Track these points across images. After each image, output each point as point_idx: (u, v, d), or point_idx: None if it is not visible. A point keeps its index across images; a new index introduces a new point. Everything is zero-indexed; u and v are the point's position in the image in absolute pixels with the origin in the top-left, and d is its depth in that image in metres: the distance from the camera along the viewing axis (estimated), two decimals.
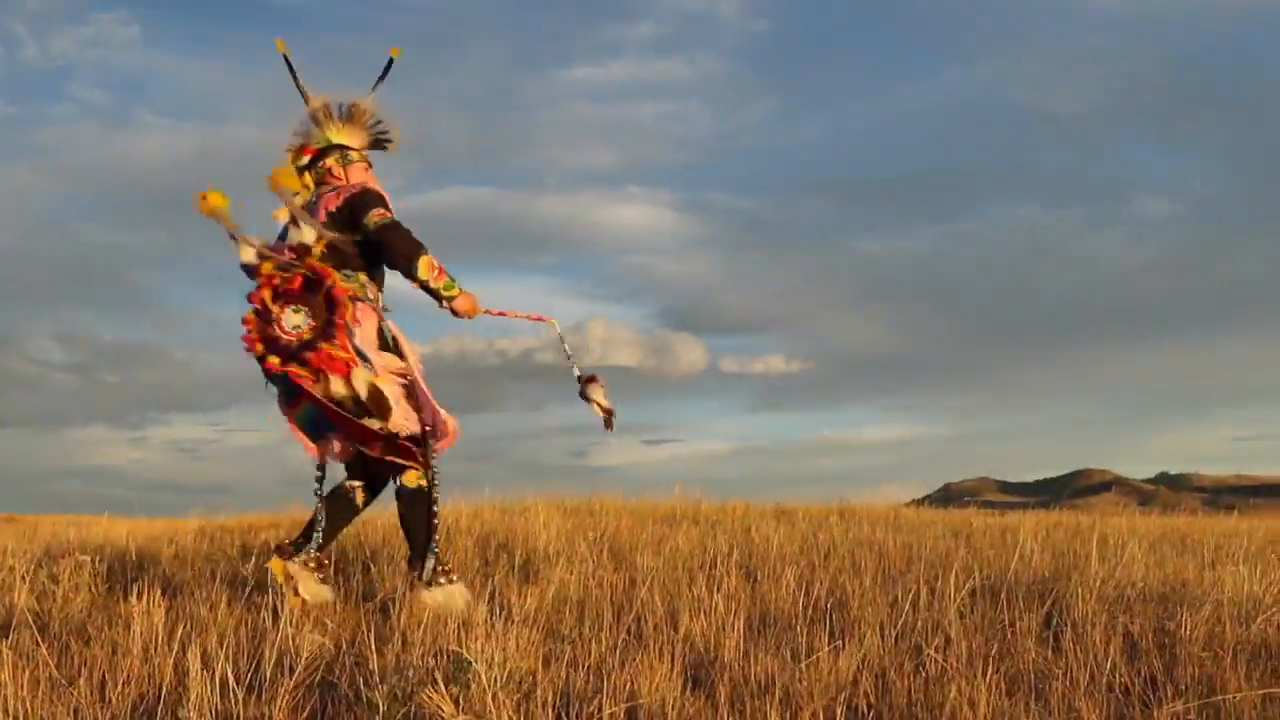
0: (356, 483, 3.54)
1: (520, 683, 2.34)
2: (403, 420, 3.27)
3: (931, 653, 2.65)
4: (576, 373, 3.67)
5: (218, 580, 3.82)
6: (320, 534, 3.44)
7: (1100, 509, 12.79)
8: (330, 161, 3.54)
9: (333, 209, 3.37)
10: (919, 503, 10.99)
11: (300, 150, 3.58)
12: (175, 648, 2.72)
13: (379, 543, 4.47)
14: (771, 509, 7.34)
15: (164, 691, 2.44)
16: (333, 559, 3.74)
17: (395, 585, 3.65)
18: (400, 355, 3.38)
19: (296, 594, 3.29)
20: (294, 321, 3.24)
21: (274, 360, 3.22)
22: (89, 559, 4.04)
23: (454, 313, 3.40)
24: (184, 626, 3.07)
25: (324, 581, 3.43)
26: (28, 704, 2.27)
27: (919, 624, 3.11)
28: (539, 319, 3.71)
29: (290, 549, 3.44)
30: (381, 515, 5.75)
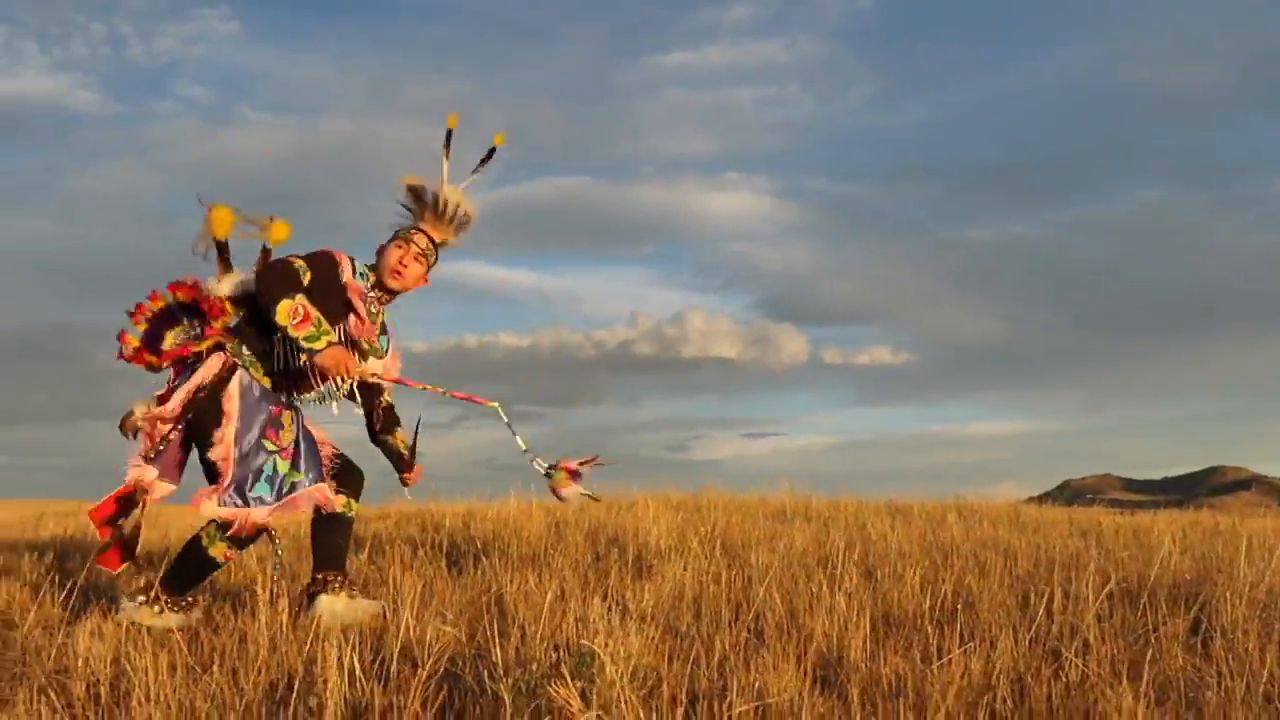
0: None
1: (645, 679, 2.39)
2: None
3: (1071, 657, 2.61)
4: (539, 467, 3.46)
5: None
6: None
7: (1238, 509, 12.32)
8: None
9: None
10: (1038, 500, 10.76)
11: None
12: (302, 637, 2.86)
13: (489, 535, 4.59)
14: (885, 505, 7.29)
15: (295, 680, 2.56)
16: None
17: (509, 577, 3.76)
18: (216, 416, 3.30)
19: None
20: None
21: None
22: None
23: (319, 368, 3.23)
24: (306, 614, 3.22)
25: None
26: (167, 689, 2.41)
27: (1053, 628, 3.07)
28: (469, 399, 3.52)
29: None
30: (491, 510, 5.90)
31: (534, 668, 2.41)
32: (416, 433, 3.65)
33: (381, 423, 3.65)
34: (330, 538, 3.45)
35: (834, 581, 3.59)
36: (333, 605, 3.28)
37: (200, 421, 3.30)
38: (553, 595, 3.43)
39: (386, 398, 3.67)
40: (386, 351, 3.56)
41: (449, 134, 3.51)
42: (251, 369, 3.34)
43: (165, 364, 3.38)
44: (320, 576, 3.38)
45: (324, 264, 3.34)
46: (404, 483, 3.69)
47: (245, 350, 3.35)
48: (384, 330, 3.56)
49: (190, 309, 3.42)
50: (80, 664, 2.56)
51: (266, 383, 3.36)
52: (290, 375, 3.37)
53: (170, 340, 3.41)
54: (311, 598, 3.32)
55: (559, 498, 3.42)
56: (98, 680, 2.55)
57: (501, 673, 2.43)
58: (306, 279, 3.25)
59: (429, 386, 3.55)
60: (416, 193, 3.48)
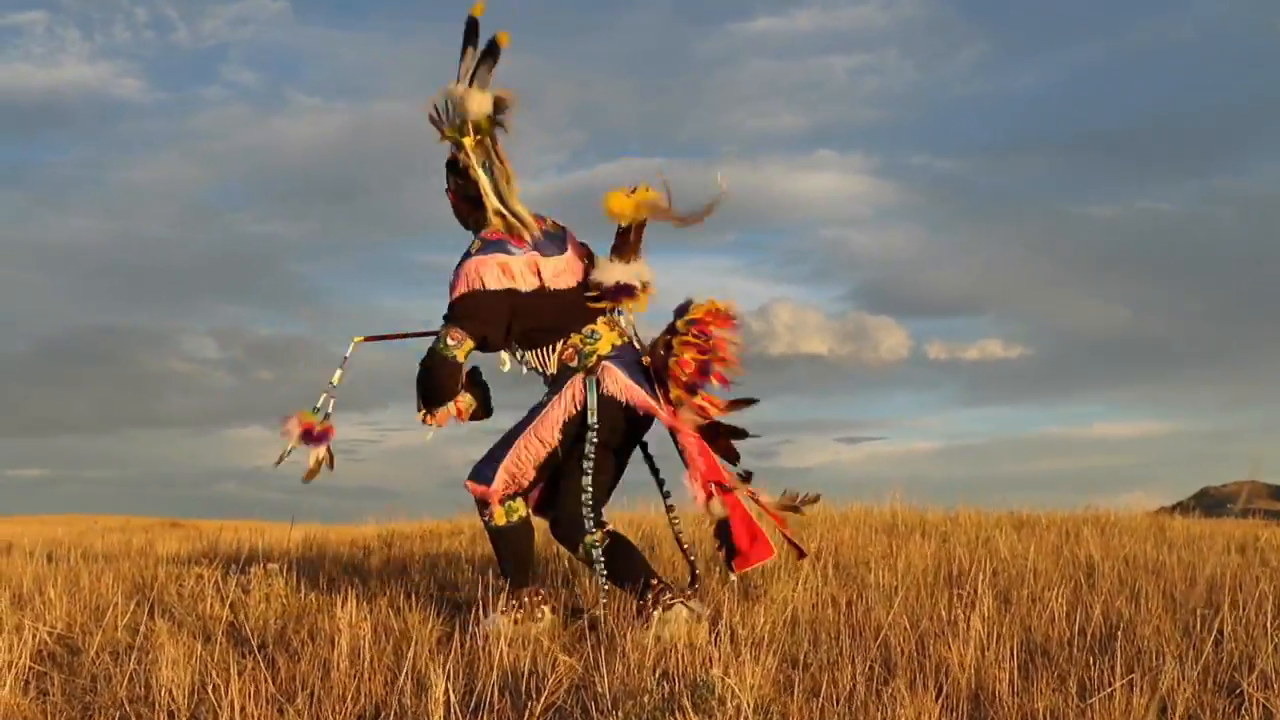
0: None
1: (767, 712, 2.37)
2: None
3: (1252, 692, 2.52)
4: (322, 405, 3.70)
5: (413, 591, 4.04)
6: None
7: None
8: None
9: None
10: (1171, 510, 10.46)
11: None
12: (386, 666, 2.91)
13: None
14: (1008, 517, 7.15)
15: (380, 710, 2.60)
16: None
17: (606, 603, 3.77)
18: None
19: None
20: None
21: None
22: (277, 567, 4.34)
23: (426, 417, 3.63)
24: (388, 641, 3.26)
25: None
26: (243, 713, 2.46)
27: (1223, 658, 2.98)
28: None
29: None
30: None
31: (645, 700, 2.41)
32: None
33: None
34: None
35: (965, 604, 3.52)
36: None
37: None
38: None
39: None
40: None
41: (470, 23, 3.52)
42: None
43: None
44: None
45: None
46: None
47: None
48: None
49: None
50: (163, 692, 2.62)
51: None
52: None
53: None
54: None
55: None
56: (176, 709, 2.62)
57: (610, 705, 2.43)
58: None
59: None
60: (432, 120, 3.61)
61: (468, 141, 3.56)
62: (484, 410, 3.77)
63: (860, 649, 3.12)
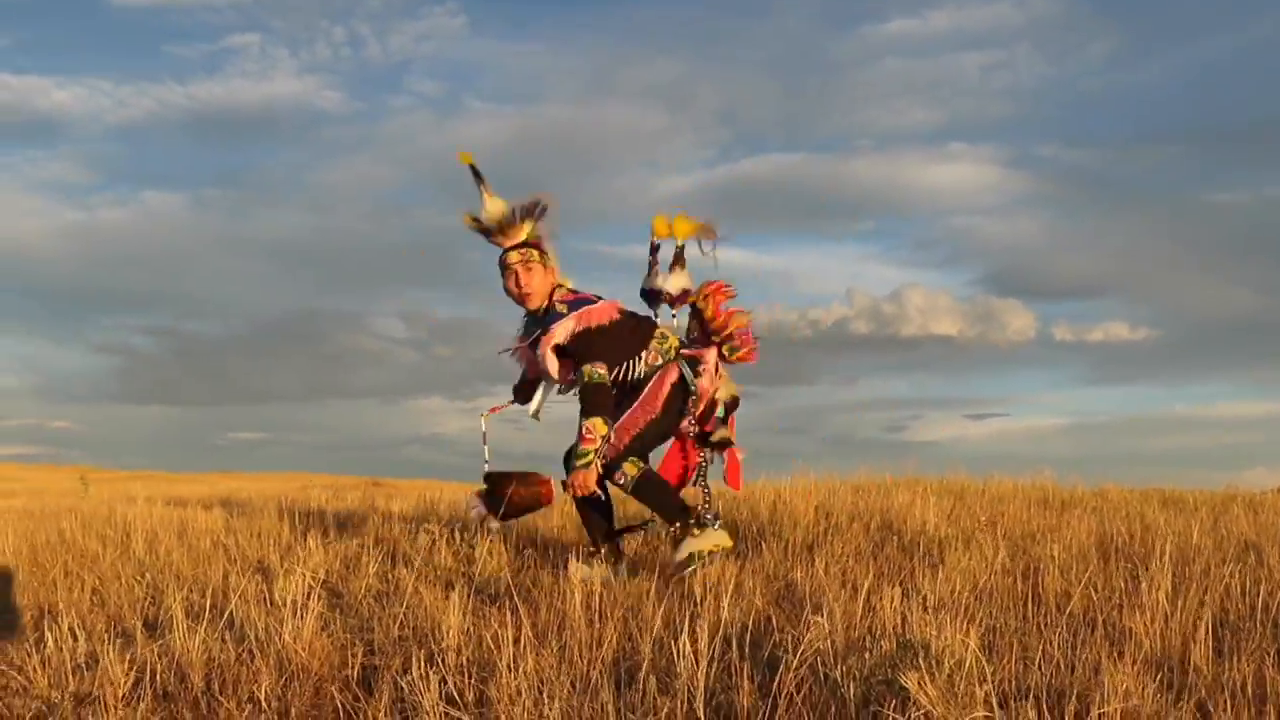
0: None
1: (977, 673, 2.41)
2: None
3: None
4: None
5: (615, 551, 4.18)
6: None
7: None
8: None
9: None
10: None
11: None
12: (619, 616, 3.04)
13: (765, 519, 4.69)
14: (1155, 493, 6.93)
15: (622, 657, 2.74)
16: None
17: (790, 564, 3.85)
18: None
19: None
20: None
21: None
22: (498, 526, 4.54)
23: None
24: (605, 595, 3.41)
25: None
26: (529, 662, 2.63)
27: None
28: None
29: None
30: (767, 491, 6.01)
31: (866, 656, 2.48)
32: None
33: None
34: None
35: (1138, 578, 3.48)
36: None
37: None
38: (844, 584, 3.50)
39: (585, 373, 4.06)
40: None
41: (472, 169, 3.94)
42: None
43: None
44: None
45: None
46: None
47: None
48: (534, 346, 3.96)
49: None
50: (451, 634, 2.81)
51: None
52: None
53: None
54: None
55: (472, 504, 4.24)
56: (448, 647, 2.80)
57: (833, 660, 2.51)
58: None
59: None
60: (479, 227, 3.96)
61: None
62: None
63: (1044, 616, 3.12)
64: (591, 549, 4.06)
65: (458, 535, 4.75)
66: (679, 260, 4.11)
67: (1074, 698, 2.24)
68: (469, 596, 3.34)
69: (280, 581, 3.71)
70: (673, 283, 4.08)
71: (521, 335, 4.11)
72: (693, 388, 3.97)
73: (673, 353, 4.00)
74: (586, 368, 3.75)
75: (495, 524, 4.36)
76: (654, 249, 4.13)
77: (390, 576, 4.07)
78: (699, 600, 3.17)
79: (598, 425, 3.71)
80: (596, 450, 3.73)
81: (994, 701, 2.21)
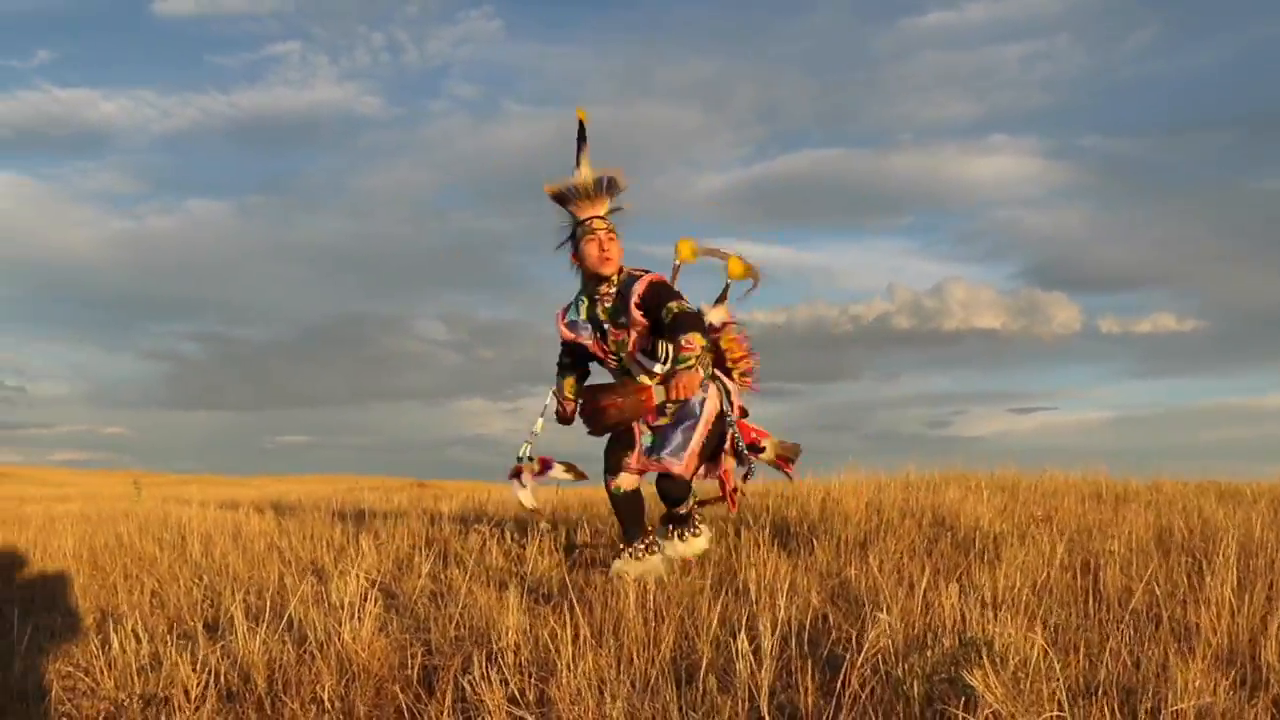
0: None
1: (1043, 670, 2.37)
2: None
3: None
4: (523, 450, 4.15)
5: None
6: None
7: None
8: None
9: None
10: None
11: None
12: (674, 614, 3.03)
13: (815, 517, 4.66)
14: (1210, 486, 6.80)
15: (679, 656, 2.72)
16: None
17: (844, 561, 3.82)
18: None
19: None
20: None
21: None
22: (549, 526, 4.56)
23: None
24: (660, 594, 3.40)
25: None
26: (589, 661, 2.62)
27: None
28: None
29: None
30: (790, 489, 5.97)
31: (929, 654, 2.45)
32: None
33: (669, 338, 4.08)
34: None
35: (1201, 572, 3.41)
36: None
37: None
38: (899, 581, 3.46)
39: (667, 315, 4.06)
40: (627, 327, 3.99)
41: (581, 127, 3.98)
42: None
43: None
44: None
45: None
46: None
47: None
48: (619, 313, 3.98)
49: None
50: (509, 634, 2.81)
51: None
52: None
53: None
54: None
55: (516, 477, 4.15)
56: (505, 646, 2.81)
57: (894, 658, 2.48)
58: (564, 361, 4.21)
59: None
60: (563, 193, 3.98)
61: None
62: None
63: (1106, 613, 3.07)
64: (637, 546, 4.04)
65: (508, 535, 4.76)
66: (723, 297, 4.31)
67: (1147, 694, 2.19)
68: (523, 596, 3.35)
69: (335, 583, 3.74)
70: (714, 315, 4.25)
71: (568, 314, 4.14)
72: (729, 413, 4.04)
73: (710, 368, 4.10)
74: (673, 304, 3.86)
75: (544, 524, 4.37)
76: (675, 271, 4.22)
77: (443, 577, 4.09)
78: (754, 599, 3.15)
79: (697, 338, 3.74)
80: (698, 358, 3.77)
81: (1064, 699, 2.17)
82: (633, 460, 3.97)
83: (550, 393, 4.26)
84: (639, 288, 3.91)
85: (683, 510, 4.08)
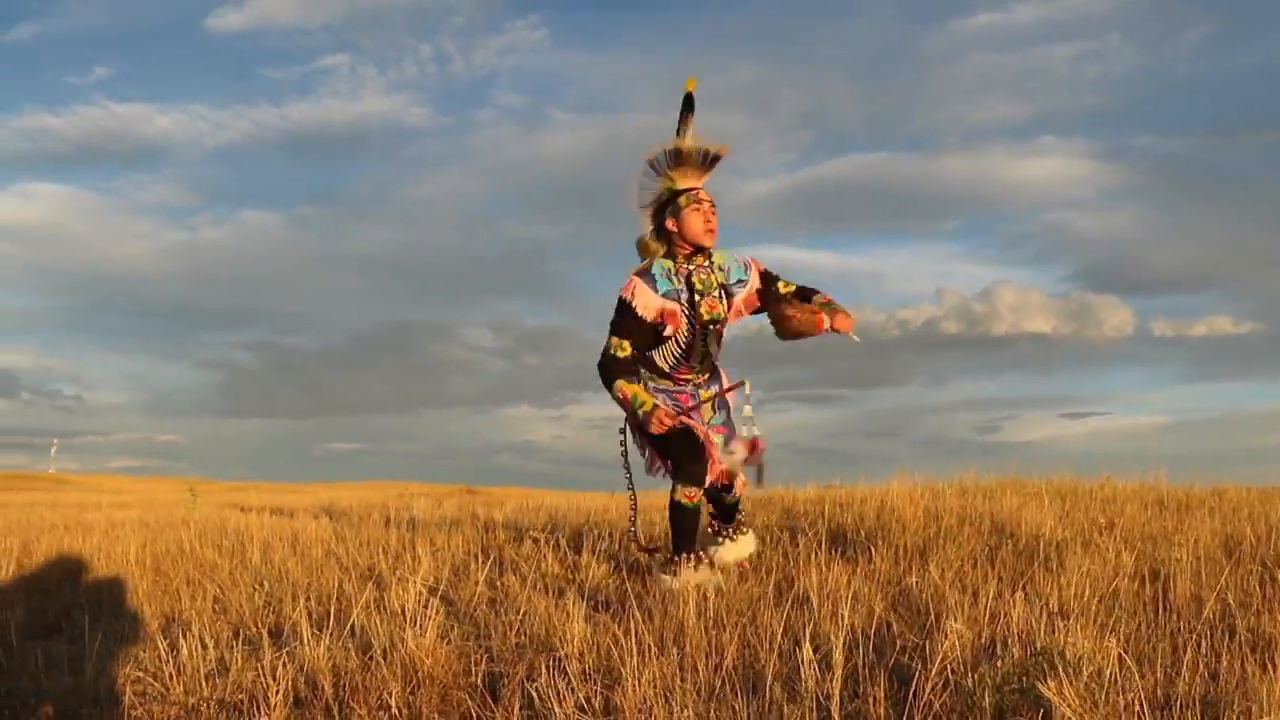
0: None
1: (1119, 682, 2.32)
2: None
3: None
4: (748, 432, 3.93)
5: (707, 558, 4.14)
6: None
7: None
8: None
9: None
10: None
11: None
12: (733, 623, 3.01)
13: (874, 524, 4.61)
14: (1274, 493, 6.64)
15: (739, 665, 2.70)
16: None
17: (904, 568, 3.78)
18: None
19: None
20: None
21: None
22: (605, 532, 4.56)
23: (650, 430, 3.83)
24: (720, 602, 3.38)
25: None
26: (655, 668, 2.61)
27: None
28: (733, 387, 4.04)
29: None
30: (844, 494, 5.93)
31: (998, 665, 2.41)
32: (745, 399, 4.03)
33: (798, 300, 4.02)
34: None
35: (1275, 580, 3.33)
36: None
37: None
38: (963, 590, 3.41)
39: (783, 288, 4.07)
40: (731, 299, 4.01)
41: (688, 97, 3.94)
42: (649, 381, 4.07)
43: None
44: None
45: (625, 317, 3.90)
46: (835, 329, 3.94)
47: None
48: (722, 286, 3.99)
49: None
50: (574, 642, 2.81)
51: (667, 384, 4.09)
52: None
53: None
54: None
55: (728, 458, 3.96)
56: (570, 654, 2.80)
57: (964, 668, 2.44)
58: (626, 349, 3.88)
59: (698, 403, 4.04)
60: (663, 160, 3.93)
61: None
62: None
63: (1177, 623, 3.01)
64: (691, 557, 3.95)
65: (561, 542, 4.77)
66: None
67: (1230, 708, 2.14)
68: (583, 604, 3.34)
69: (393, 590, 3.76)
70: None
71: (656, 284, 3.95)
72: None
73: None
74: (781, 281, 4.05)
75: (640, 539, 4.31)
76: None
77: (499, 584, 4.10)
78: (816, 607, 3.12)
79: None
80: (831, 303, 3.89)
81: (1143, 711, 2.12)
82: (711, 471, 3.92)
83: (733, 389, 4.05)
84: (755, 262, 4.04)
85: (730, 504, 4.11)
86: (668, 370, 4.06)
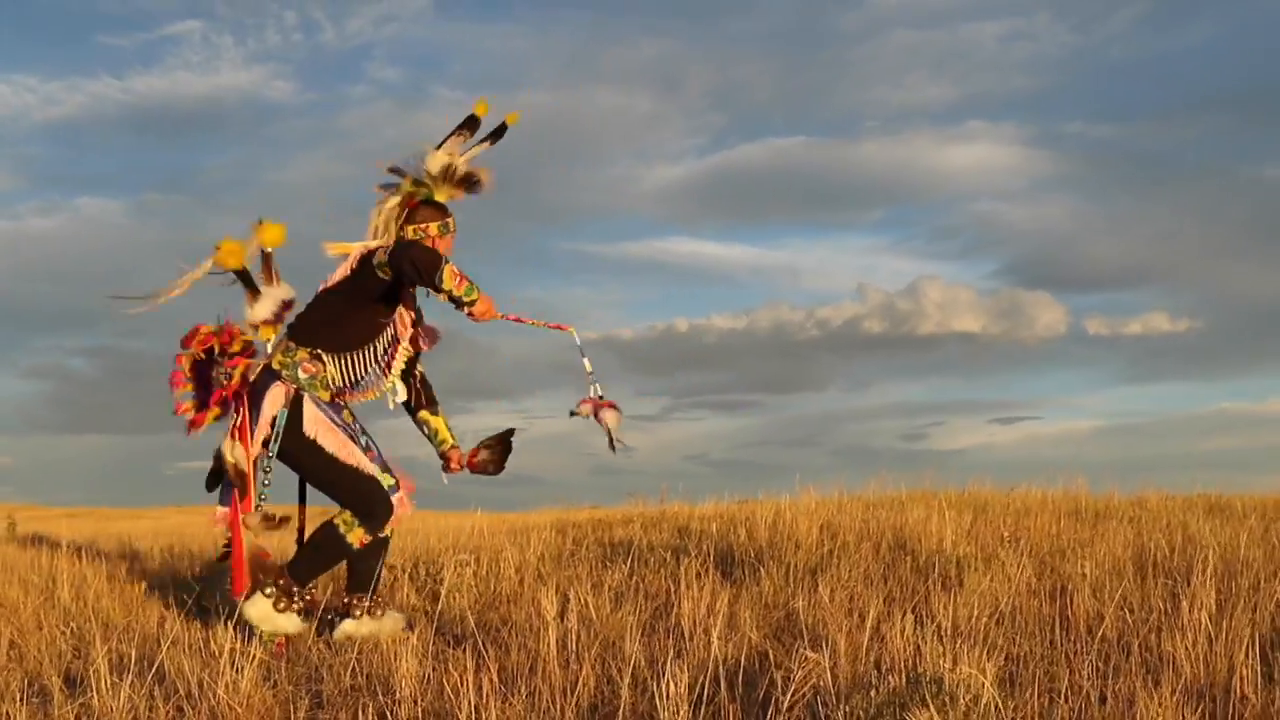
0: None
1: (997, 710, 2.36)
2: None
3: None
4: (595, 391, 3.81)
5: (599, 581, 4.12)
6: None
7: None
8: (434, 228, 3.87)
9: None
10: None
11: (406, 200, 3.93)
12: (594, 657, 2.99)
13: (763, 541, 4.64)
14: (1199, 500, 6.90)
15: (600, 703, 2.68)
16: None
17: (793, 590, 3.80)
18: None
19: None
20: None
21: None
22: (467, 558, 4.49)
23: (472, 317, 3.65)
24: (592, 632, 3.35)
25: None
26: (493, 709, 2.57)
27: None
28: (556, 327, 3.89)
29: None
30: (744, 510, 5.96)
31: (873, 695, 2.43)
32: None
33: (423, 397, 4.15)
34: (367, 561, 3.89)
35: (1185, 596, 3.43)
36: (356, 629, 3.76)
37: (293, 453, 3.80)
38: (850, 612, 3.45)
39: (420, 369, 4.14)
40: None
41: (471, 117, 3.92)
42: (310, 389, 3.82)
43: (214, 413, 3.89)
44: (347, 600, 3.87)
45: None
46: (447, 469, 4.13)
47: (301, 374, 3.82)
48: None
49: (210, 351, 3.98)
50: (407, 683, 2.75)
51: (325, 396, 3.87)
52: (352, 383, 3.90)
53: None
54: (339, 618, 3.83)
55: (596, 418, 3.77)
56: (402, 698, 2.74)
57: (834, 700, 2.46)
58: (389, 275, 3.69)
59: (527, 320, 3.88)
60: (442, 171, 3.89)
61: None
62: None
63: (1073, 642, 3.08)
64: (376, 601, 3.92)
65: (422, 570, 4.69)
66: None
67: None
68: (430, 639, 3.28)
69: (221, 627, 3.65)
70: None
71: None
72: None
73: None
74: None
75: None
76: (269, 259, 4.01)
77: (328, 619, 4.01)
78: (687, 636, 3.12)
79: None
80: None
81: None
82: (404, 490, 3.90)
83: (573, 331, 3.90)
84: None
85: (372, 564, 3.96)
86: (349, 383, 3.93)
